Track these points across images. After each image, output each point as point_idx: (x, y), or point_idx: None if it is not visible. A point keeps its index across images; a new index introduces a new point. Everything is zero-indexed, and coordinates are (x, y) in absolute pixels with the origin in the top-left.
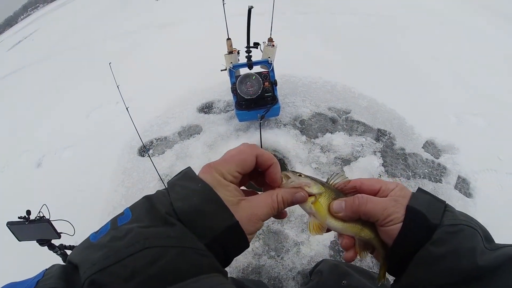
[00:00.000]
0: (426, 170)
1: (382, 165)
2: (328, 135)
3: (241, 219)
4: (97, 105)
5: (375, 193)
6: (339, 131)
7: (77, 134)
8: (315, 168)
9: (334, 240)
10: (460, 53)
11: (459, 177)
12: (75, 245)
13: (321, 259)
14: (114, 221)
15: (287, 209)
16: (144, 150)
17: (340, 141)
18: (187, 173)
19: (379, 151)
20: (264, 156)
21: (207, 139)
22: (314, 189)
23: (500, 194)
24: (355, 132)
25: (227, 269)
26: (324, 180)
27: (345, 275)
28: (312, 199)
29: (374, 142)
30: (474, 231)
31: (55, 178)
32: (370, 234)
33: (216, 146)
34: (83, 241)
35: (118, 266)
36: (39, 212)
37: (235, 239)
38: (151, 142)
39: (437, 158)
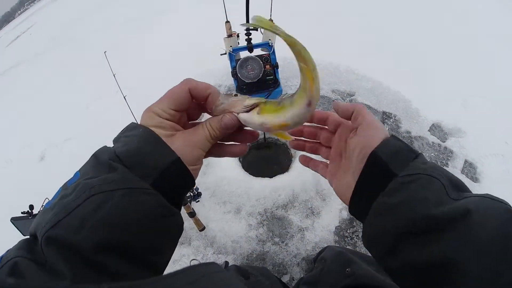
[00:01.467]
0: (433, 154)
1: None
2: None
3: (177, 149)
4: (96, 96)
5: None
6: None
7: (78, 126)
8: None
9: (339, 226)
10: (468, 36)
11: (466, 161)
12: None
13: (325, 245)
14: (64, 184)
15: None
16: None
17: None
18: (130, 125)
19: None
20: (198, 87)
21: None
22: (253, 100)
23: (507, 179)
24: None
25: (232, 256)
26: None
27: (350, 263)
28: (256, 109)
29: None
30: (431, 179)
31: (58, 170)
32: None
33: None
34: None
35: (68, 218)
36: (42, 206)
37: (179, 174)
38: None
39: (444, 142)
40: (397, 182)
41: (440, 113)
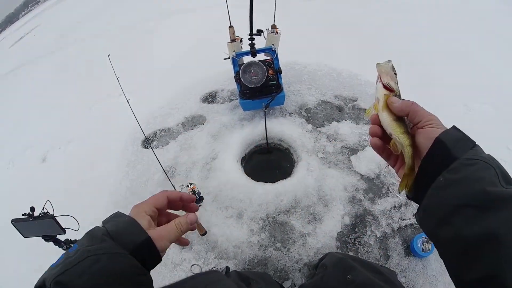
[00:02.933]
0: None
1: None
2: (334, 123)
3: (152, 237)
4: (99, 98)
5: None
6: (345, 120)
7: (81, 128)
8: (322, 157)
9: (341, 232)
10: (470, 41)
11: None
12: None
13: (327, 251)
14: (66, 252)
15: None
16: (147, 142)
17: (346, 130)
18: (117, 213)
19: None
20: (172, 194)
21: (211, 129)
22: (395, 86)
23: None
24: (362, 121)
25: (233, 261)
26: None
27: (350, 270)
28: (387, 91)
29: None
30: (488, 166)
31: (60, 172)
32: (406, 140)
33: (220, 136)
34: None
35: (72, 270)
36: (43, 208)
37: (149, 251)
38: (155, 133)
39: None
40: (458, 163)
41: (442, 118)
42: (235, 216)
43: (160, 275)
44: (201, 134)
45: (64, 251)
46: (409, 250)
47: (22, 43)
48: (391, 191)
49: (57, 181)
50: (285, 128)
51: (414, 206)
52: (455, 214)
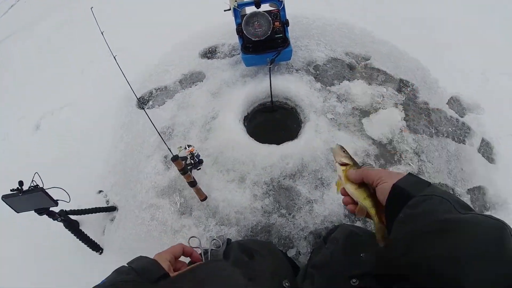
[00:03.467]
0: (450, 129)
1: (404, 119)
2: (345, 82)
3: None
4: (91, 60)
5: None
6: (357, 79)
7: (74, 92)
8: (331, 118)
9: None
10: (493, 8)
11: (483, 139)
12: (77, 209)
13: (335, 219)
14: (95, 286)
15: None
16: (142, 102)
17: (358, 90)
18: (140, 256)
19: (401, 104)
20: (185, 248)
21: (211, 87)
22: (348, 160)
23: None
24: (375, 81)
25: (235, 228)
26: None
27: (364, 247)
28: (343, 167)
29: (396, 93)
30: (443, 200)
31: (53, 140)
32: (368, 203)
33: (221, 94)
34: None
35: None
36: (32, 181)
37: (167, 285)
38: (150, 92)
39: (462, 117)
40: (415, 200)
41: (459, 87)
42: (237, 180)
43: (160, 241)
44: (200, 92)
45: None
46: None
47: (13, 10)
48: (403, 158)
49: (51, 149)
50: (292, 85)
51: (426, 176)
52: (417, 242)
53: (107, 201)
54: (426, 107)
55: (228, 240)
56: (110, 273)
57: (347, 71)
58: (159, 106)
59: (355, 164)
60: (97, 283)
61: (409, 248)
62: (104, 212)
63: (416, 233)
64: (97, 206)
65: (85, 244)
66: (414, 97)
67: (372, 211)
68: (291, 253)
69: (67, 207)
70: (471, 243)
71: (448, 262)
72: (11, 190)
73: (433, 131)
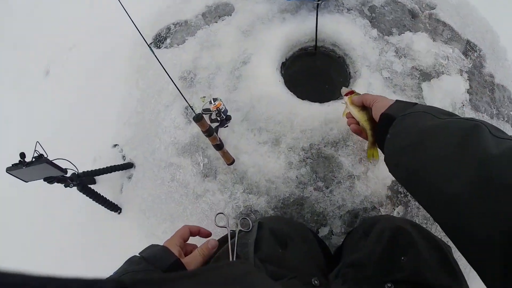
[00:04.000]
0: (511, 112)
1: (467, 92)
2: (407, 34)
3: (186, 261)
4: None
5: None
6: (421, 31)
7: (83, 30)
8: (387, 77)
9: (395, 180)
10: None
11: None
12: (91, 170)
13: (376, 200)
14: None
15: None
16: (159, 40)
17: (422, 45)
18: (151, 245)
19: (466, 71)
20: (193, 228)
21: (241, 23)
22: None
23: None
24: (440, 38)
25: (264, 198)
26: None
27: (408, 248)
28: (349, 96)
29: (462, 57)
30: (422, 113)
31: (66, 82)
32: (367, 125)
33: (253, 32)
34: None
35: None
36: (35, 151)
37: (179, 268)
38: (168, 28)
39: None
40: (397, 120)
41: None
42: (270, 143)
43: (182, 205)
44: (227, 29)
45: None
46: None
47: None
48: None
49: (63, 95)
50: (342, 29)
51: None
52: (402, 156)
53: (123, 157)
54: (491, 80)
55: (259, 224)
56: (122, 265)
57: (409, 19)
58: (178, 45)
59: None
60: (117, 244)
61: (397, 165)
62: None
63: (399, 148)
64: (113, 165)
65: (102, 205)
66: (481, 66)
67: (369, 133)
68: (323, 231)
69: (85, 167)
70: (438, 148)
71: (426, 170)
72: (12, 165)
73: (494, 112)
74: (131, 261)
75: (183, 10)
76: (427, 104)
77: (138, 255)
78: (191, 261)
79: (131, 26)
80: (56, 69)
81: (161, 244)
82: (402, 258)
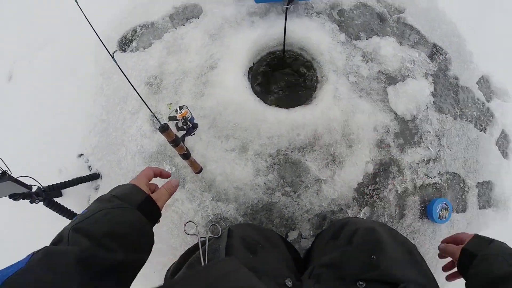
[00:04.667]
0: (475, 113)
1: (432, 94)
2: (375, 38)
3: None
4: None
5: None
6: (388, 36)
7: (48, 32)
8: (353, 82)
9: (361, 182)
10: None
11: (502, 131)
12: (57, 183)
13: (343, 202)
14: (79, 214)
15: None
16: (124, 43)
17: (389, 50)
18: (121, 185)
19: (431, 74)
20: (155, 170)
21: (209, 26)
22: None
23: None
24: (407, 41)
25: (233, 205)
26: None
27: (377, 248)
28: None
29: (428, 60)
30: (496, 257)
31: (27, 92)
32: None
33: (221, 36)
34: None
35: (87, 220)
36: None
37: (151, 207)
38: (134, 30)
39: (488, 101)
40: (476, 260)
41: (492, 66)
42: (237, 150)
43: None
44: (195, 32)
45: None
46: (425, 212)
47: None
48: (423, 140)
49: (25, 105)
50: (311, 33)
51: (442, 163)
52: None
53: (89, 167)
54: (455, 83)
55: (229, 231)
56: (90, 205)
57: (377, 23)
58: (144, 48)
59: None
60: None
61: None
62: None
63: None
64: (79, 176)
65: (70, 219)
66: (446, 69)
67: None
68: (292, 235)
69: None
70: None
71: None
72: None
73: (458, 113)
74: (102, 199)
75: (150, 11)
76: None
77: (107, 194)
78: (159, 197)
79: (98, 28)
80: (20, 74)
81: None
82: (372, 257)
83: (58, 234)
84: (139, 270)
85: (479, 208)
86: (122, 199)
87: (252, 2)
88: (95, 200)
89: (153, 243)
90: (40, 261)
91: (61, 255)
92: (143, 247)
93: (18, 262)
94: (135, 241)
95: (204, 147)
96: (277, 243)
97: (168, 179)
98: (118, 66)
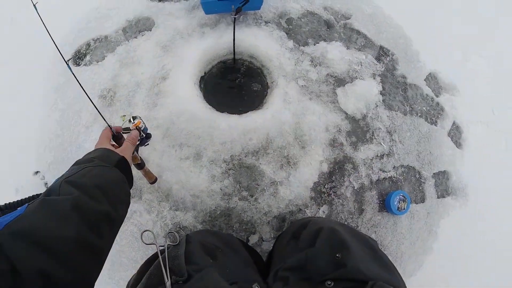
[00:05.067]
0: (424, 108)
1: (381, 93)
2: (322, 44)
3: (120, 153)
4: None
5: None
6: (335, 40)
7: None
8: (302, 86)
9: (317, 181)
10: None
11: (454, 123)
12: (10, 202)
13: (300, 202)
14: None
15: None
16: (78, 57)
17: (335, 54)
18: (95, 150)
19: (379, 75)
20: (115, 129)
21: (161, 38)
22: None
23: (484, 151)
24: (354, 45)
25: (192, 213)
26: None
27: (341, 247)
28: None
29: (375, 62)
30: None
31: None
32: None
33: (173, 48)
34: None
35: (75, 175)
36: None
37: (125, 165)
38: (88, 44)
39: (437, 96)
40: None
41: (439, 63)
42: (192, 158)
43: None
44: (147, 45)
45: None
46: (383, 205)
47: None
48: (375, 137)
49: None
50: (260, 41)
51: (396, 158)
52: None
53: (46, 184)
54: (403, 81)
55: (188, 237)
56: (68, 169)
57: (324, 30)
58: (98, 62)
59: None
60: None
61: None
62: None
63: None
64: (35, 193)
65: None
66: (393, 69)
67: None
68: (253, 239)
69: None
70: None
71: None
72: None
73: (408, 109)
74: (82, 161)
75: (104, 25)
76: None
77: (85, 157)
78: (125, 150)
79: (50, 43)
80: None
81: (93, 148)
82: (337, 255)
83: (47, 189)
84: (119, 228)
85: (438, 198)
86: (101, 159)
87: (202, 14)
88: (73, 164)
89: (129, 202)
90: (37, 208)
91: (56, 203)
92: (124, 203)
93: (15, 211)
94: (117, 196)
95: (159, 156)
96: (237, 248)
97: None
98: (72, 73)
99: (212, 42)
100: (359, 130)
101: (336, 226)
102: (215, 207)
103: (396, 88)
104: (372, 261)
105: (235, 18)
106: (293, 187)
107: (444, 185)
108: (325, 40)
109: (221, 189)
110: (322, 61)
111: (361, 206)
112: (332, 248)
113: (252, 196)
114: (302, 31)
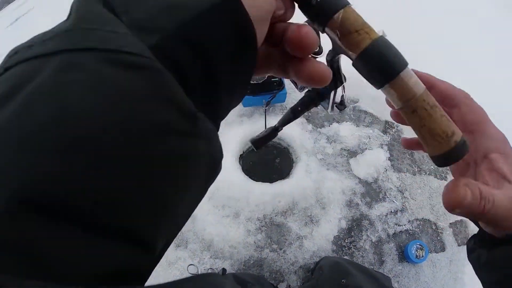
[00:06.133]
0: (432, 167)
1: (389, 159)
2: (335, 124)
3: None
4: None
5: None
6: (346, 121)
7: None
8: (321, 159)
9: (337, 235)
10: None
11: None
12: None
13: (323, 254)
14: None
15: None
16: None
17: (347, 131)
18: None
19: (386, 144)
20: None
21: None
22: None
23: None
24: (363, 123)
25: (229, 262)
26: None
27: (346, 274)
28: None
29: (382, 134)
30: None
31: None
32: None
33: (220, 132)
34: None
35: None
36: None
37: (230, 28)
38: None
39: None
40: None
41: None
42: (232, 216)
43: (154, 271)
44: None
45: None
46: (403, 256)
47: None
48: (388, 196)
49: None
50: (286, 127)
51: (409, 212)
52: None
53: None
54: (410, 151)
55: (224, 270)
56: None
57: (337, 113)
58: None
59: None
60: None
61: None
62: None
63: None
64: None
65: None
66: (399, 137)
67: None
68: (282, 287)
69: None
70: None
71: None
72: None
73: (416, 170)
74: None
75: None
76: None
77: None
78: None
79: None
80: None
81: None
82: (343, 280)
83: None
84: None
85: (459, 245)
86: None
87: (241, 107)
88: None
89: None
90: None
91: None
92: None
93: None
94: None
95: (205, 214)
96: (267, 285)
97: None
98: None
99: (248, 128)
100: (372, 191)
101: (342, 261)
102: (249, 257)
103: (403, 154)
104: (372, 285)
105: (266, 109)
106: (316, 240)
107: (463, 233)
108: (338, 122)
109: (254, 242)
110: (336, 138)
111: (380, 257)
112: (338, 274)
113: (281, 248)
114: (319, 116)
